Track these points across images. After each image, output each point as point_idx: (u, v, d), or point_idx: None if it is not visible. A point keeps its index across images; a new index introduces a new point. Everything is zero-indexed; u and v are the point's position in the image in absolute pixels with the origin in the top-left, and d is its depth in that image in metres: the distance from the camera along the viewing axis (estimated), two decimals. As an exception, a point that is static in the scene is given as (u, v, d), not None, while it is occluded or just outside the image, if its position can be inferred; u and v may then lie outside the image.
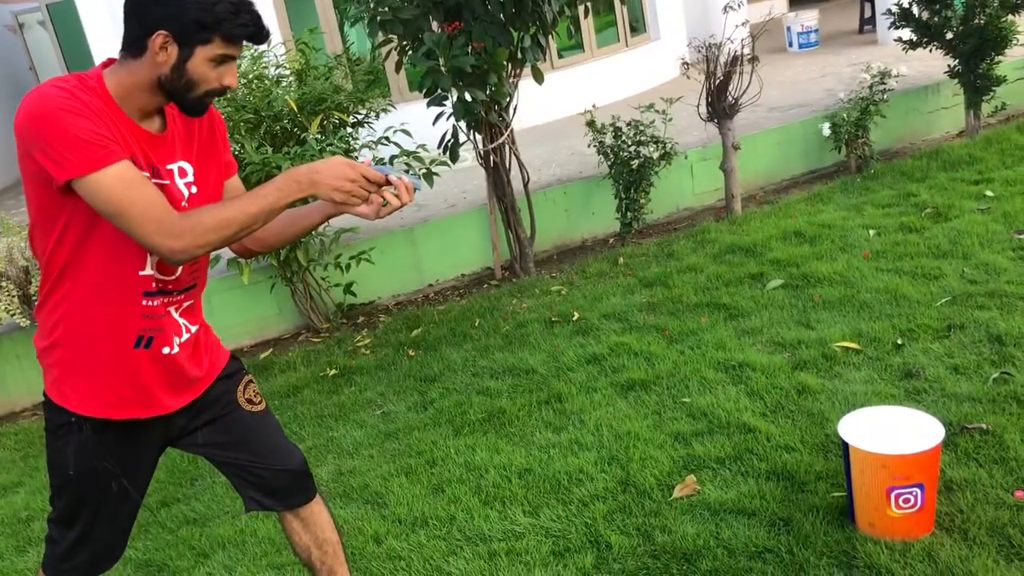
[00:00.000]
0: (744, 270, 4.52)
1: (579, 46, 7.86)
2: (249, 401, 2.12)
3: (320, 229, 4.77)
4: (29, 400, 4.84)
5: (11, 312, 4.30)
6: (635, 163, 5.14)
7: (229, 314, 4.96)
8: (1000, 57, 5.65)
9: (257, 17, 1.77)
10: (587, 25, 7.61)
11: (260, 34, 1.79)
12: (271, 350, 4.84)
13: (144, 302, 1.86)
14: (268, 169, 4.22)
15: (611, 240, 5.38)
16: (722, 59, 5.10)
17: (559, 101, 7.02)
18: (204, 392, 2.04)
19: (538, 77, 4.89)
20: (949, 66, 5.82)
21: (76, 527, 1.97)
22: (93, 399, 1.89)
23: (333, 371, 4.32)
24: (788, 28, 8.64)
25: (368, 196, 1.81)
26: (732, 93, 5.12)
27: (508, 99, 4.82)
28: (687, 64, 5.40)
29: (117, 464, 1.95)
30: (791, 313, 3.97)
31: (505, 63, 4.65)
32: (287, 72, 4.57)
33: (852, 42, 8.50)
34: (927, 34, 5.84)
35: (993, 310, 3.61)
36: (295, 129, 4.49)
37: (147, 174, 1.75)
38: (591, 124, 5.24)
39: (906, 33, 5.97)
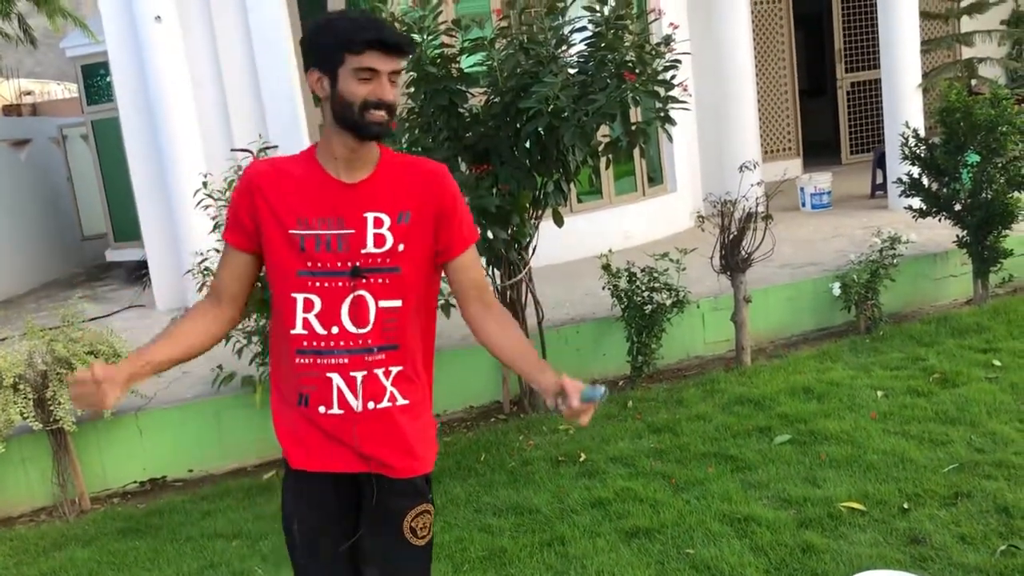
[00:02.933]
0: (752, 422, 4.54)
1: (598, 192, 8.13)
2: (412, 531, 2.08)
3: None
4: (28, 506, 4.81)
5: (25, 415, 4.34)
6: (648, 308, 5.25)
7: (236, 431, 4.99)
8: (1007, 231, 5.81)
9: (378, 25, 1.90)
10: (607, 174, 7.88)
11: (386, 40, 1.87)
12: (274, 471, 4.83)
13: (297, 360, 1.98)
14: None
15: (620, 382, 5.43)
16: (737, 215, 5.28)
17: (576, 243, 7.21)
18: (381, 496, 2.03)
19: (558, 220, 5.06)
20: (958, 236, 5.99)
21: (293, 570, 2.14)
22: (283, 442, 2.06)
23: (336, 496, 4.29)
24: (802, 189, 8.92)
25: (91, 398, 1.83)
26: (745, 248, 5.27)
27: (528, 239, 4.98)
28: (703, 217, 5.58)
29: (305, 511, 2.07)
30: (798, 469, 3.96)
31: (528, 205, 4.83)
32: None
33: (863, 206, 8.75)
34: (936, 204, 6.04)
35: (1000, 480, 3.61)
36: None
37: (327, 220, 1.94)
38: (607, 268, 5.38)
39: (916, 202, 6.17)
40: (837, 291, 5.80)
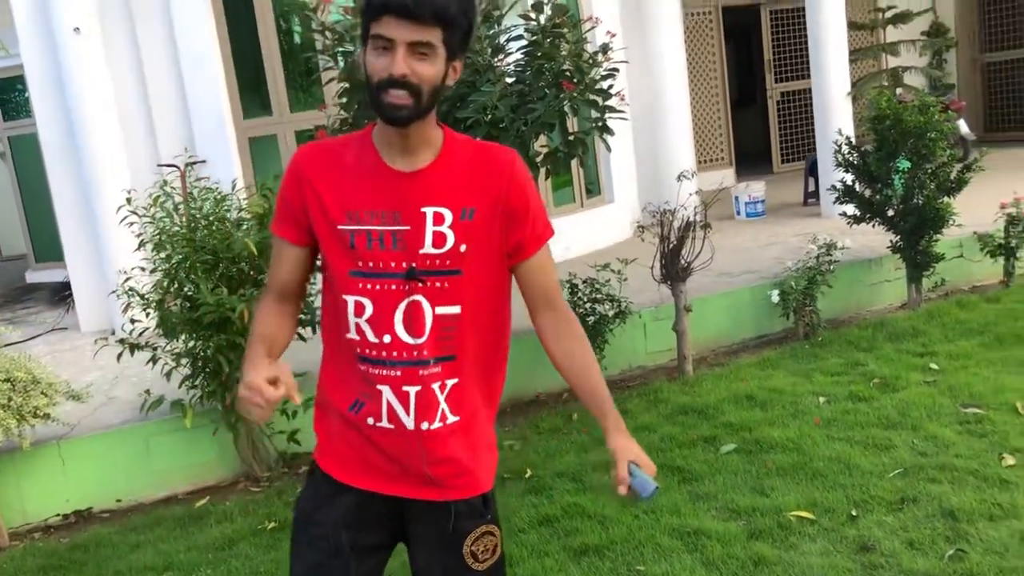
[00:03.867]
0: (697, 432, 4.50)
1: (536, 204, 8.09)
2: (473, 555, 1.87)
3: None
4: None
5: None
6: (591, 319, 5.19)
7: (166, 458, 4.77)
8: (938, 235, 5.91)
9: None
10: (545, 185, 7.84)
11: (398, 3, 1.60)
12: (208, 498, 4.63)
13: (359, 365, 1.81)
14: (222, 311, 4.17)
15: (564, 395, 5.36)
16: (676, 224, 5.26)
17: (515, 256, 7.15)
18: (434, 518, 1.85)
19: (498, 233, 4.97)
20: (891, 241, 6.07)
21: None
22: (320, 435, 1.92)
23: (272, 524, 4.13)
24: (736, 197, 9.01)
25: (258, 411, 1.65)
26: (685, 257, 5.25)
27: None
28: (642, 227, 5.55)
29: (329, 520, 1.87)
30: (745, 479, 3.93)
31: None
32: (248, 216, 4.59)
33: (797, 213, 8.86)
34: (870, 210, 6.11)
35: (945, 484, 3.62)
36: (252, 272, 4.46)
37: (380, 214, 1.74)
38: (547, 280, 5.30)
39: (850, 208, 6.24)
40: (776, 298, 5.83)
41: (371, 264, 1.75)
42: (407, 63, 1.64)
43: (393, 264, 1.74)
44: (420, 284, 1.75)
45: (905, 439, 4.11)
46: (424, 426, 1.79)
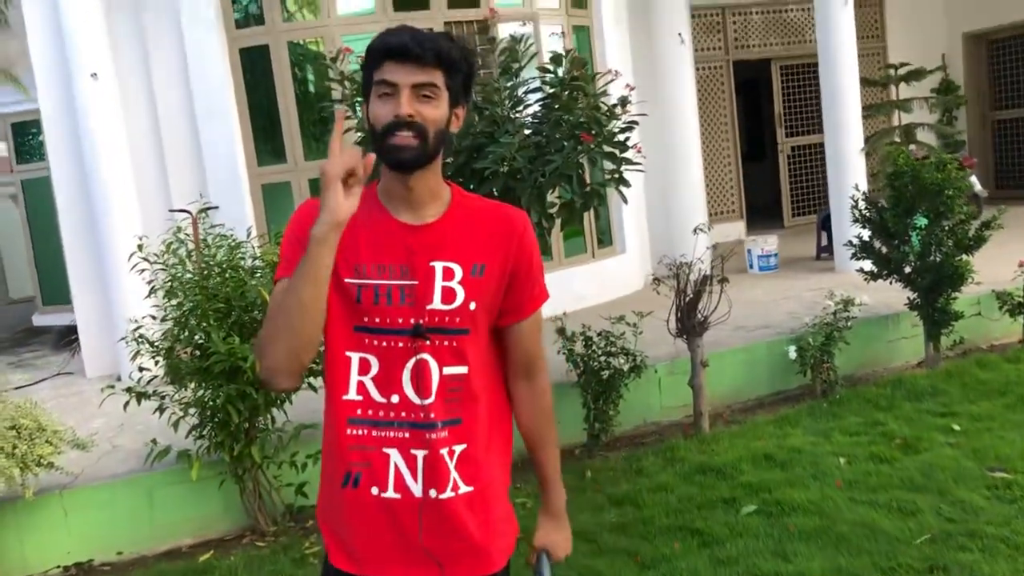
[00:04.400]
0: (716, 493, 4.38)
1: (547, 254, 8.04)
2: None
3: (279, 424, 4.59)
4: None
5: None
6: (605, 374, 5.10)
7: (171, 510, 4.66)
8: (957, 293, 5.83)
9: (398, 31, 1.61)
10: (556, 235, 7.80)
11: (399, 46, 1.60)
12: (212, 552, 4.50)
13: (348, 430, 1.67)
14: (233, 360, 4.09)
15: (577, 451, 5.24)
16: (692, 277, 5.19)
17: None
18: None
19: (513, 284, 4.91)
20: (909, 298, 5.99)
21: None
22: (323, 528, 1.78)
23: (278, 581, 4.01)
24: (749, 251, 8.95)
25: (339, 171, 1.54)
26: (702, 311, 5.18)
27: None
28: (657, 280, 5.48)
29: None
30: (767, 543, 3.81)
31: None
32: (262, 264, 4.54)
33: (810, 268, 8.80)
34: (886, 267, 6.05)
35: (975, 552, 3.50)
36: (264, 321, 4.39)
37: (388, 268, 1.66)
38: (561, 331, 5.23)
39: (866, 264, 6.18)
40: (793, 354, 5.73)
41: (377, 320, 1.68)
42: (412, 105, 1.62)
43: (400, 320, 1.68)
44: (427, 342, 1.68)
45: (931, 503, 3.99)
46: (432, 494, 1.69)
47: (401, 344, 1.68)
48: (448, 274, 1.69)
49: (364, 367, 1.69)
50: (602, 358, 5.14)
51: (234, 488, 4.58)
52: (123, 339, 4.57)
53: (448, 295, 1.68)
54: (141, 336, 4.38)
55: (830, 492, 4.23)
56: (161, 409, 4.45)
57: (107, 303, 6.93)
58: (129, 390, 4.36)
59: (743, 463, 4.71)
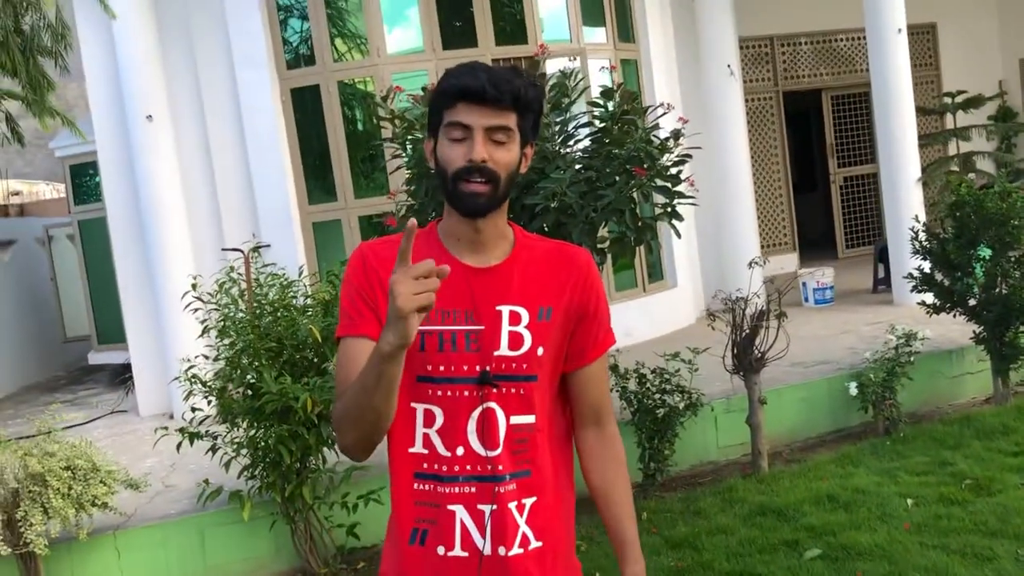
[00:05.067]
0: (777, 535, 4.23)
1: (597, 289, 7.96)
2: None
3: (331, 464, 4.55)
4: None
5: (-10, 537, 4.00)
6: (660, 412, 4.99)
7: (222, 551, 4.63)
8: (1025, 326, 5.63)
9: (474, 70, 1.54)
10: (607, 269, 7.73)
11: (476, 88, 1.53)
12: (263, 594, 4.46)
13: (415, 485, 1.59)
14: (285, 399, 4.07)
15: (632, 492, 5.11)
16: (749, 312, 5.07)
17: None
18: None
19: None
20: (974, 332, 5.79)
21: None
22: None
23: (330, 625, 3.94)
24: (804, 284, 8.77)
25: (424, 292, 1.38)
26: (759, 347, 5.05)
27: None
28: (712, 315, 5.37)
29: None
30: (834, 590, 3.66)
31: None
32: (313, 302, 4.53)
33: (866, 301, 8.59)
34: (949, 299, 5.86)
35: (1059, 602, 3.31)
36: (316, 359, 4.37)
37: (452, 313, 1.57)
38: (614, 368, 5.14)
39: (929, 297, 6.00)
40: (854, 390, 5.56)
41: (442, 368, 1.60)
42: (486, 149, 1.56)
43: (466, 367, 1.60)
44: (494, 390, 1.60)
45: (1008, 549, 3.80)
46: (501, 551, 1.60)
47: (467, 393, 1.60)
48: (515, 318, 1.62)
49: (429, 419, 1.62)
50: (657, 396, 5.03)
51: (285, 529, 4.54)
52: (176, 379, 4.58)
53: (515, 340, 1.61)
54: (194, 376, 4.39)
55: (898, 536, 4.05)
56: (213, 449, 4.44)
57: (161, 342, 7.00)
58: (182, 430, 4.36)
59: (805, 504, 4.55)
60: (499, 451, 1.60)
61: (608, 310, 1.77)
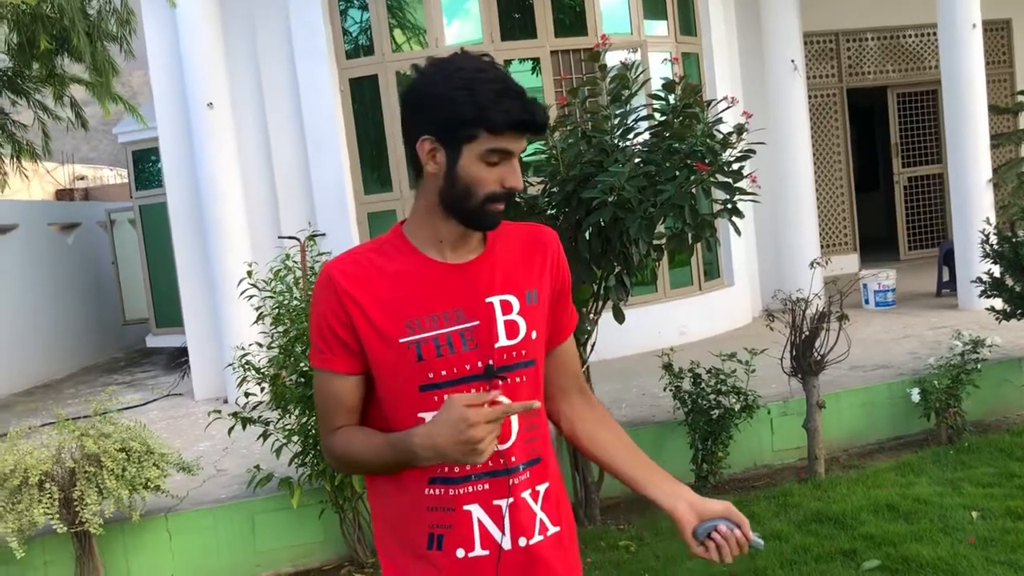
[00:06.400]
0: (834, 544, 4.11)
1: (652, 285, 7.84)
2: None
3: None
4: (47, 612, 4.49)
5: (50, 515, 4.05)
6: (715, 413, 4.89)
7: (271, 537, 4.66)
8: (1101, 336, 5.40)
9: (525, 102, 1.52)
10: (662, 266, 7.62)
11: (530, 121, 1.53)
12: (310, 581, 4.48)
13: (427, 491, 1.57)
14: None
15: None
16: (809, 313, 4.94)
17: (630, 338, 6.90)
18: None
19: (619, 317, 4.76)
20: (1046, 340, 5.58)
21: None
22: None
23: (376, 616, 3.93)
24: (864, 285, 8.55)
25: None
26: (819, 350, 4.92)
27: (587, 336, 4.67)
28: (771, 315, 5.24)
29: None
30: (894, 603, 3.53)
31: (587, 300, 4.55)
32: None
33: (930, 304, 8.35)
34: (1021, 305, 5.65)
35: None
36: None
37: (443, 315, 1.57)
38: (668, 367, 5.05)
39: (998, 302, 5.79)
40: (916, 397, 5.39)
41: (444, 372, 1.57)
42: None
43: (468, 366, 1.58)
44: (501, 381, 1.58)
45: (1080, 568, 3.64)
46: (522, 542, 1.58)
47: (474, 391, 1.56)
48: (506, 307, 1.61)
49: None
50: (712, 396, 4.93)
51: (334, 518, 4.54)
52: (230, 365, 4.61)
53: (512, 328, 1.60)
54: (248, 362, 4.40)
55: (963, 550, 3.90)
56: (265, 435, 4.45)
57: (216, 327, 7.07)
58: (235, 415, 4.38)
59: (863, 512, 4.41)
60: (511, 442, 1.59)
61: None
